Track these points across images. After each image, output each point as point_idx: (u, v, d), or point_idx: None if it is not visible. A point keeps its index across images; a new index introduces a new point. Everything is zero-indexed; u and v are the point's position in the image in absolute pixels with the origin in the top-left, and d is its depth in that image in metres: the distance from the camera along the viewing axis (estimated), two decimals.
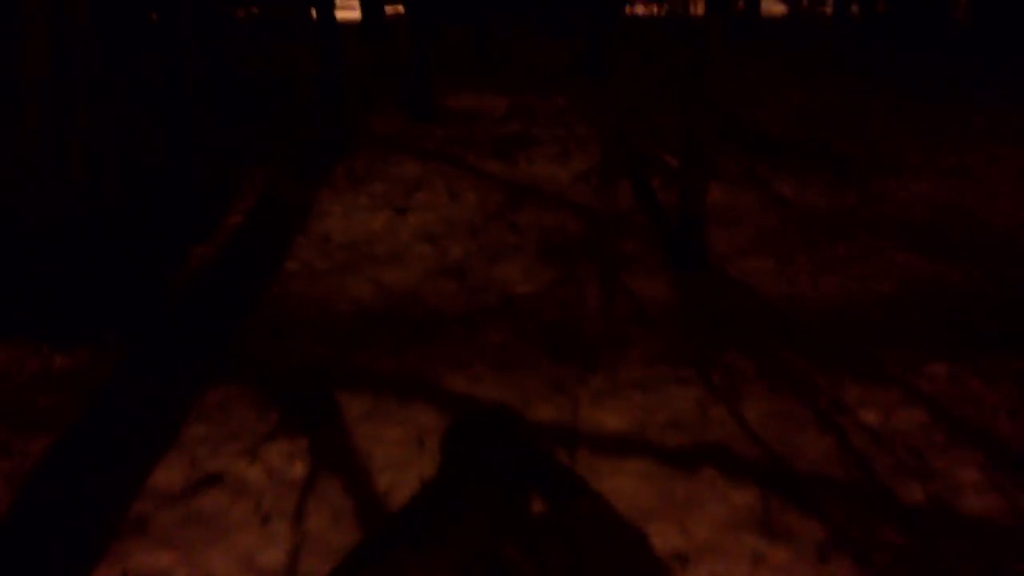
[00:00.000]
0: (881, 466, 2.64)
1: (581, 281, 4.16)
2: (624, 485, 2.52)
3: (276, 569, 2.20)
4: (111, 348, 3.30)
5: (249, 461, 2.66)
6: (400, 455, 2.71)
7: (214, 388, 3.07)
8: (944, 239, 4.82)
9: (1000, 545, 2.29)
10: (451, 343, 3.52)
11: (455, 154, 6.75)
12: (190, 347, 3.39)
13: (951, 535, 2.33)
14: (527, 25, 17.66)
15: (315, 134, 7.58)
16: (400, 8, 18.97)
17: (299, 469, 2.62)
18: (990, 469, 2.62)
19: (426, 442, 2.78)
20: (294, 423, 2.87)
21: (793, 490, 2.52)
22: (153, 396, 3.04)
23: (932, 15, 15.09)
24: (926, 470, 2.62)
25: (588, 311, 3.84)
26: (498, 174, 6.23)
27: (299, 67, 11.93)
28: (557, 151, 6.94)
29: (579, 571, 2.16)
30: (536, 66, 12.76)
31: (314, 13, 11.08)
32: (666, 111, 8.94)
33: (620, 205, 5.51)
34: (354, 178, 6.02)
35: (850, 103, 9.24)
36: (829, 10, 21.38)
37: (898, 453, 2.70)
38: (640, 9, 19.76)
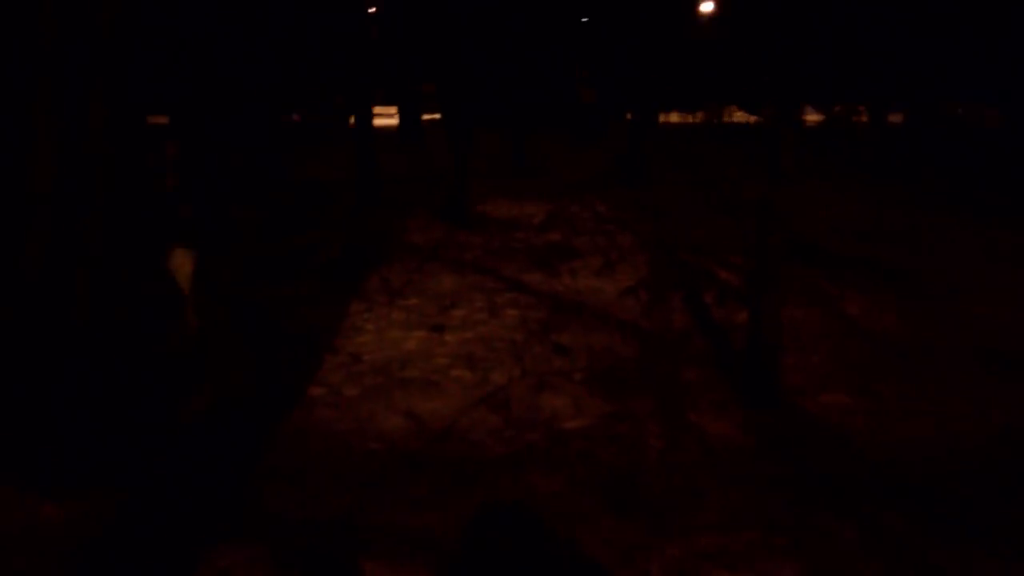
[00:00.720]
0: None
1: (639, 416, 3.70)
2: None
3: None
4: (108, 498, 2.88)
5: None
6: None
7: (220, 551, 2.61)
8: None
9: None
10: (495, 493, 3.04)
11: (494, 265, 6.43)
12: (198, 498, 2.96)
13: None
14: (562, 130, 17.78)
15: (351, 242, 7.33)
16: (437, 115, 19.25)
17: None
18: None
19: None
20: None
21: None
22: (150, 563, 2.59)
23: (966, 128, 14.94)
24: None
25: (650, 454, 3.36)
26: (539, 287, 5.87)
27: (337, 173, 11.91)
28: (600, 263, 6.60)
29: None
30: (573, 172, 12.66)
31: (352, 120, 11.11)
32: (708, 220, 8.63)
33: (674, 324, 5.09)
34: (389, 291, 5.69)
35: (904, 215, 8.87)
36: (864, 118, 21.41)
37: None
38: (675, 117, 19.91)
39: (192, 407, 3.64)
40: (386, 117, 18.67)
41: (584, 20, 16.57)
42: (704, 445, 3.44)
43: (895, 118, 22.08)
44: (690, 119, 20.78)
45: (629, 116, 12.29)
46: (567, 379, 4.12)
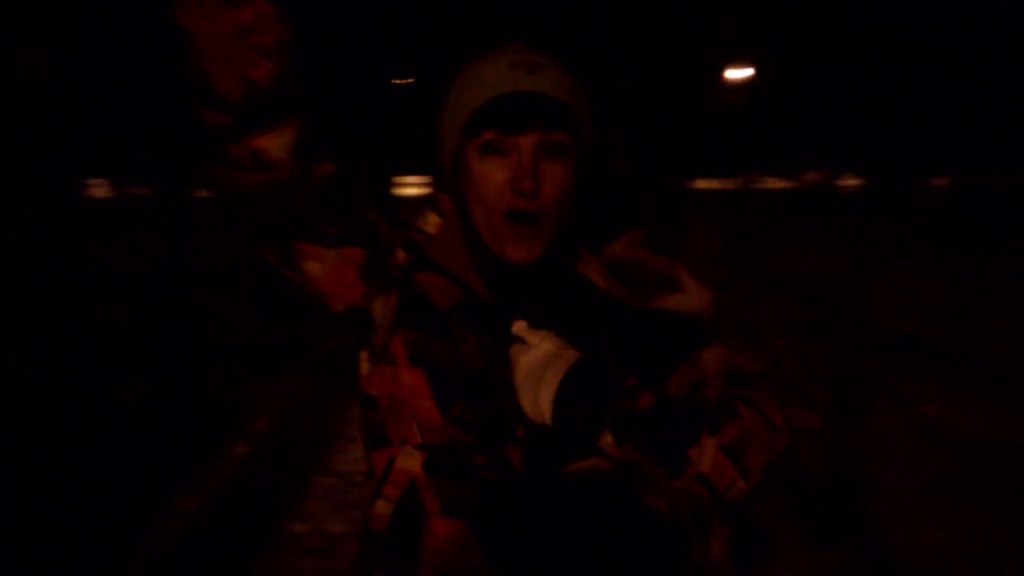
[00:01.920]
0: None
1: None
2: None
3: None
4: None
5: None
6: None
7: None
8: None
9: None
10: None
11: None
12: None
13: None
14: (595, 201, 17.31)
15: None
16: None
17: None
18: None
19: None
20: None
21: None
22: None
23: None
24: None
25: None
26: None
27: None
28: None
29: None
30: None
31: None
32: (752, 297, 7.98)
33: None
34: None
35: (965, 289, 8.13)
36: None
37: None
38: (706, 183, 19.47)
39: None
40: (412, 186, 18.32)
41: (625, 87, 16.30)
42: None
43: (940, 182, 21.37)
44: (724, 184, 20.32)
45: (663, 184, 11.80)
46: None
